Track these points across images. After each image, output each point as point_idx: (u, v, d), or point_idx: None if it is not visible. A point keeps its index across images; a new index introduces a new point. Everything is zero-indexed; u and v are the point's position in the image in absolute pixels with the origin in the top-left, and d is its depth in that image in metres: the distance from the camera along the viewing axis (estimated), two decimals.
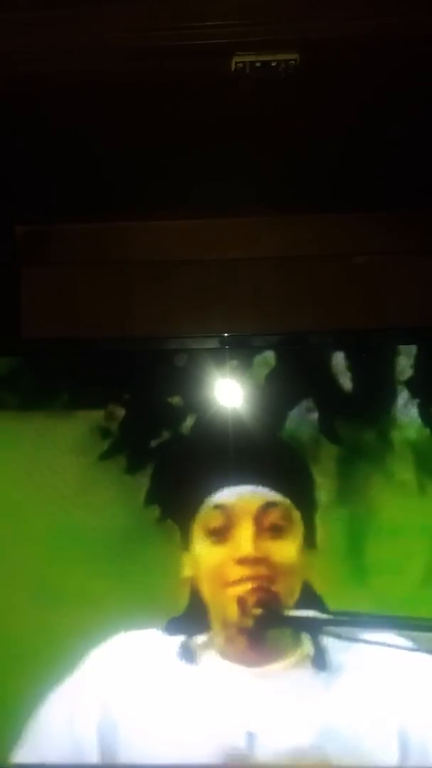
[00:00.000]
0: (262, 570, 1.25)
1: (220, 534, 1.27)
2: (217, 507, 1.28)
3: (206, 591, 1.28)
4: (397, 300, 1.71)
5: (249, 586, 1.25)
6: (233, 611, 1.25)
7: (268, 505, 1.27)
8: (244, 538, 1.26)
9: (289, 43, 1.08)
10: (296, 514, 1.28)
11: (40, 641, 1.31)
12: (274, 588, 1.25)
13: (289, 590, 1.26)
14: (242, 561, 1.26)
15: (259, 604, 1.24)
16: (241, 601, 1.25)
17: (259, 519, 1.27)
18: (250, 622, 1.25)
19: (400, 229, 1.73)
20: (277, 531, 1.27)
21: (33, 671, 1.30)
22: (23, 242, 1.78)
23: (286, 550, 1.27)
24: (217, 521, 1.28)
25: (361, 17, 1.06)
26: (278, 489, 1.28)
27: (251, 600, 1.24)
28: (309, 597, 1.28)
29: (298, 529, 1.28)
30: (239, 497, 1.28)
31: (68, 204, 1.67)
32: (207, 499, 1.28)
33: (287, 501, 1.28)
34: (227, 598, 1.26)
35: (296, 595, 1.27)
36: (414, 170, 1.52)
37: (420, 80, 1.19)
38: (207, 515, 1.28)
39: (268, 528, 1.27)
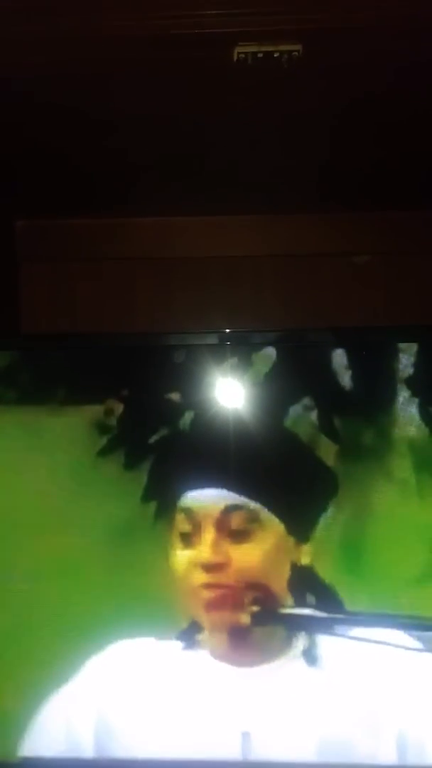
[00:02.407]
0: (225, 576, 1.25)
1: (186, 538, 1.27)
2: (183, 510, 1.28)
3: (183, 592, 1.28)
4: (397, 299, 1.71)
5: (212, 591, 1.25)
6: (206, 615, 1.26)
7: (231, 509, 1.27)
8: (206, 543, 1.26)
9: (292, 33, 1.07)
10: (266, 516, 1.27)
11: (39, 637, 1.31)
12: (243, 591, 1.25)
13: (265, 591, 1.26)
14: (204, 566, 1.26)
15: (231, 607, 1.25)
16: (210, 606, 1.26)
17: (221, 523, 1.26)
18: (225, 625, 1.26)
19: (401, 228, 1.74)
20: (240, 535, 1.26)
21: (33, 668, 1.30)
22: (23, 237, 1.78)
23: (252, 553, 1.26)
24: (184, 526, 1.28)
25: (365, 8, 1.04)
26: (255, 489, 1.27)
27: (220, 604, 1.25)
28: (304, 596, 1.27)
29: (270, 530, 1.27)
30: (204, 501, 1.27)
31: (68, 199, 1.67)
32: (178, 502, 1.28)
33: (253, 503, 1.26)
34: (197, 602, 1.26)
35: (278, 594, 1.27)
36: (416, 169, 1.52)
37: (425, 74, 1.18)
38: (176, 518, 1.28)
39: (231, 532, 1.26)
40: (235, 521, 1.26)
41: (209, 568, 1.26)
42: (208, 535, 1.26)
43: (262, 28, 1.07)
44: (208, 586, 1.26)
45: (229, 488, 1.27)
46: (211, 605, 1.26)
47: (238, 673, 1.27)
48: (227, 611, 1.25)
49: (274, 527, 1.27)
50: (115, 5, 1.06)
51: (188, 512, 1.28)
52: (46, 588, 1.32)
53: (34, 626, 1.31)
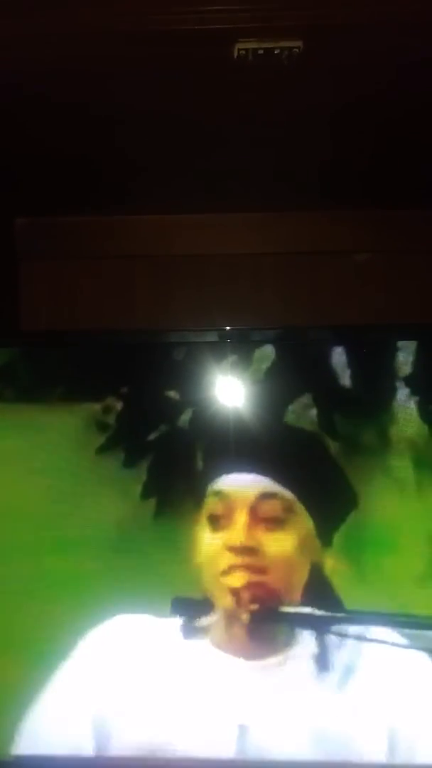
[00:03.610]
0: (253, 560, 1.25)
1: (216, 521, 1.27)
2: (216, 494, 1.28)
3: (204, 578, 1.27)
4: (397, 297, 1.71)
5: (239, 574, 1.25)
6: (227, 600, 1.25)
7: (266, 496, 1.26)
8: (238, 527, 1.25)
9: (293, 30, 1.07)
10: (300, 508, 1.27)
11: (38, 634, 1.30)
12: (266, 579, 1.25)
13: (285, 582, 1.26)
14: (233, 549, 1.25)
15: (253, 594, 1.24)
16: (234, 591, 1.25)
17: (255, 509, 1.26)
18: (244, 613, 1.25)
19: (402, 227, 1.74)
20: (274, 522, 1.26)
21: (31, 663, 1.30)
22: (23, 235, 1.78)
23: (282, 542, 1.26)
24: (215, 508, 1.27)
25: (366, 5, 1.05)
26: (280, 480, 1.27)
27: (244, 590, 1.24)
28: (315, 593, 1.27)
29: (302, 522, 1.27)
30: (238, 485, 1.27)
31: (69, 197, 1.66)
32: (206, 488, 1.28)
33: (288, 493, 1.27)
34: (221, 586, 1.26)
35: (296, 587, 1.27)
36: (417, 167, 1.52)
37: (426, 71, 1.18)
38: (206, 502, 1.28)
39: (265, 519, 1.26)
40: (265, 509, 1.26)
41: (237, 551, 1.25)
42: (239, 520, 1.26)
43: (263, 24, 1.07)
44: (231, 569, 1.25)
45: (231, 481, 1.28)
46: (232, 591, 1.25)
47: (240, 665, 1.27)
48: (246, 598, 1.24)
49: (303, 521, 1.27)
50: (116, 2, 1.06)
51: (218, 497, 1.27)
52: (45, 584, 1.31)
53: (32, 622, 1.31)
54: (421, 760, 1.24)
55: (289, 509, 1.27)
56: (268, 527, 1.26)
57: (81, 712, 1.28)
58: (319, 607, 1.26)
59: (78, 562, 1.31)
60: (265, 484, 1.27)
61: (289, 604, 1.26)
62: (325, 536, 1.28)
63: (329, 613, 1.26)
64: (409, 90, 1.24)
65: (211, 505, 1.28)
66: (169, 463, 1.32)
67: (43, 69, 1.18)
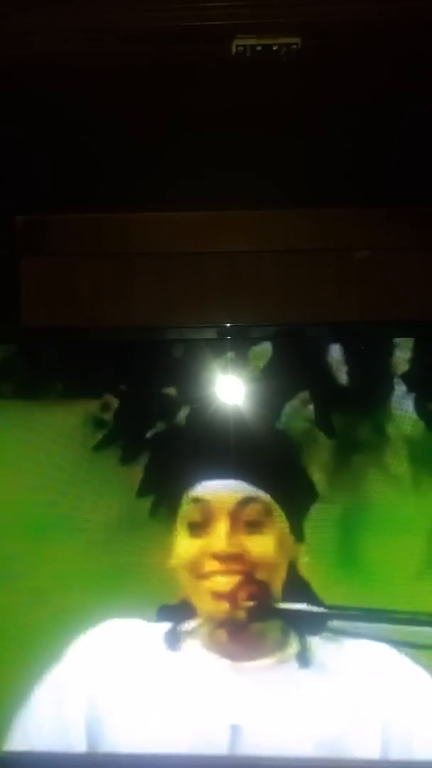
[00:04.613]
0: (237, 565, 1.25)
1: (198, 527, 1.27)
2: (195, 501, 1.28)
3: (186, 583, 1.28)
4: (396, 295, 1.71)
5: (222, 580, 1.25)
6: (212, 605, 1.26)
7: (247, 501, 1.27)
8: (219, 533, 1.26)
9: (292, 26, 1.07)
10: (277, 510, 1.27)
11: (31, 630, 1.31)
12: (250, 583, 1.25)
13: (269, 585, 1.27)
14: (216, 556, 1.26)
15: (238, 598, 1.25)
16: (217, 596, 1.25)
17: (235, 514, 1.26)
18: (229, 616, 1.26)
19: (401, 224, 1.74)
20: (254, 526, 1.26)
21: (23, 659, 1.30)
22: (23, 232, 1.78)
23: (264, 545, 1.26)
24: (195, 515, 1.28)
25: (365, 1, 1.05)
26: (259, 484, 1.27)
27: (228, 594, 1.25)
28: (297, 591, 1.28)
29: (279, 524, 1.27)
30: (218, 491, 1.27)
31: (68, 194, 1.67)
32: (188, 492, 1.28)
33: (267, 497, 1.27)
34: (203, 592, 1.26)
35: (279, 589, 1.27)
36: (417, 164, 1.51)
37: (426, 69, 1.18)
38: (186, 508, 1.28)
39: (245, 523, 1.26)
40: (248, 513, 1.26)
41: (221, 558, 1.26)
42: (222, 525, 1.26)
43: (261, 20, 1.07)
44: (216, 575, 1.26)
45: (227, 479, 1.28)
46: (217, 596, 1.26)
47: (232, 667, 1.28)
48: (232, 603, 1.25)
49: (280, 521, 1.27)
50: None
51: (198, 502, 1.28)
52: (39, 580, 1.32)
53: (26, 620, 1.31)
54: (416, 757, 1.25)
55: (267, 512, 1.27)
56: (250, 531, 1.26)
57: (73, 709, 1.28)
58: (309, 604, 1.27)
59: (74, 559, 1.32)
60: (246, 488, 1.27)
61: (274, 603, 1.27)
62: (297, 531, 1.29)
63: (315, 609, 1.27)
64: (407, 87, 1.24)
65: (191, 510, 1.28)
66: (167, 460, 1.32)
67: (42, 67, 1.18)
